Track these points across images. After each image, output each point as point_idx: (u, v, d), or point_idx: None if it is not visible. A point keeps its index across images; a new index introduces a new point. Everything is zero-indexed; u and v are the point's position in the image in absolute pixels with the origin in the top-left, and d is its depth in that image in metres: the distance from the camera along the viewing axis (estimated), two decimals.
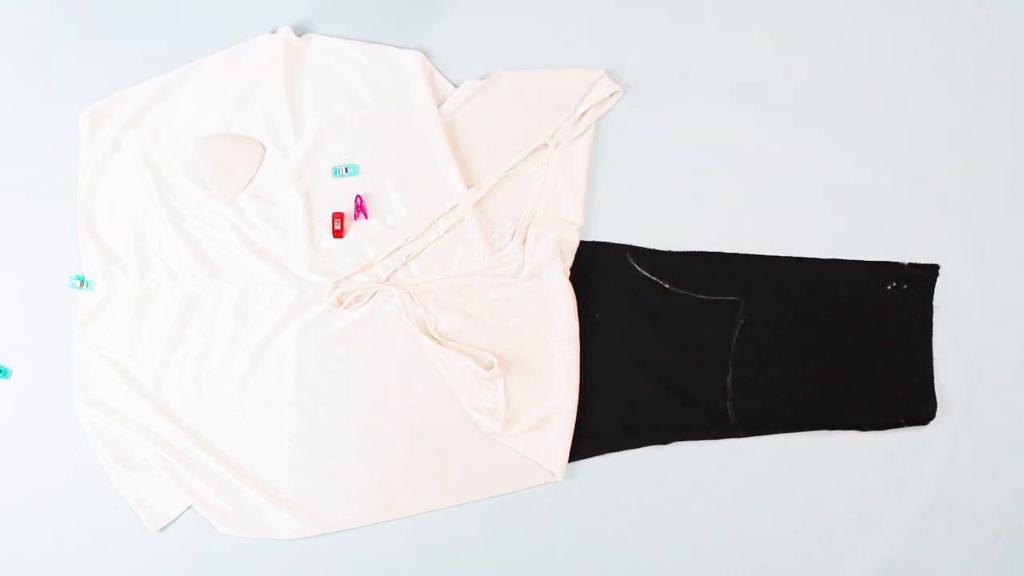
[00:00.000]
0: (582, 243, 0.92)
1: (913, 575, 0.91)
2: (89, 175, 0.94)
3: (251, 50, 0.95)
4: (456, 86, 0.94)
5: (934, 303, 0.91)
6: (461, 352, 0.89)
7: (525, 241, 0.91)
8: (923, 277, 0.91)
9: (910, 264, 0.92)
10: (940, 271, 0.91)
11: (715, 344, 0.91)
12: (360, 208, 0.92)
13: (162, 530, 0.91)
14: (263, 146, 0.94)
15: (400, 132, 0.93)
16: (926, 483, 0.91)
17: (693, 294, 0.89)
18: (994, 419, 0.92)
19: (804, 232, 0.93)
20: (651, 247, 0.92)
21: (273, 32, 0.94)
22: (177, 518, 0.91)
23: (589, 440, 0.90)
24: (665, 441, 0.91)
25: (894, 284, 0.91)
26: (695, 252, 0.91)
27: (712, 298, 0.90)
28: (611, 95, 0.93)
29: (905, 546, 0.91)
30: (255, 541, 0.90)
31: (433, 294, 0.91)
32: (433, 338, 0.89)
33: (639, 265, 0.91)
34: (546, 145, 0.93)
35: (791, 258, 0.92)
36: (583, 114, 0.93)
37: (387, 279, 0.91)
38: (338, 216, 0.92)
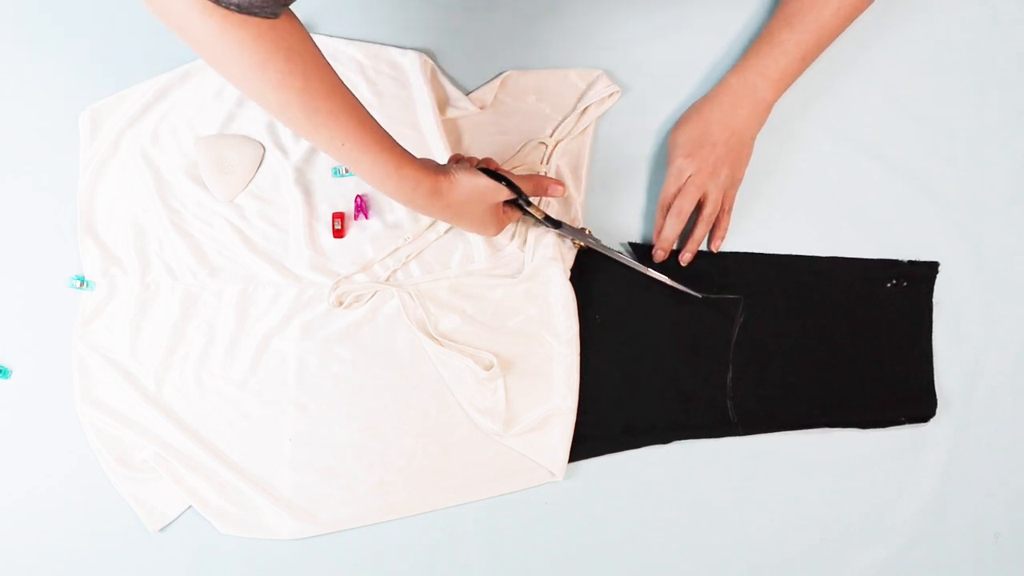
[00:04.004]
0: None
1: (913, 575, 0.91)
2: (89, 175, 0.94)
3: None
4: (457, 86, 0.94)
5: (934, 300, 0.92)
6: (461, 352, 0.89)
7: (526, 241, 0.91)
8: (923, 274, 0.92)
9: (909, 261, 0.92)
10: (940, 268, 0.92)
11: (715, 343, 0.91)
12: (360, 208, 0.92)
13: (162, 530, 0.91)
14: (263, 146, 0.94)
15: (400, 132, 0.93)
16: (926, 483, 0.91)
17: (693, 293, 0.89)
18: (994, 418, 0.92)
19: (804, 231, 0.93)
20: (651, 246, 0.92)
21: None
22: (177, 518, 0.91)
23: (589, 441, 0.90)
24: (665, 441, 0.91)
25: (894, 281, 0.91)
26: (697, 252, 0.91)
27: (712, 296, 0.90)
28: (610, 95, 0.94)
29: (905, 546, 0.90)
30: (255, 541, 0.90)
31: (433, 294, 0.91)
32: (433, 338, 0.89)
33: (640, 262, 0.91)
34: (544, 144, 0.93)
35: (791, 256, 0.92)
36: (582, 112, 0.93)
37: (387, 279, 0.92)
38: (338, 216, 0.92)
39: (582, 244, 0.89)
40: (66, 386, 0.92)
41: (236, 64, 0.65)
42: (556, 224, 0.87)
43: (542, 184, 0.85)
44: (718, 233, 0.91)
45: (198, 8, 0.61)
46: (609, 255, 0.89)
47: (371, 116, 0.74)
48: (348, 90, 0.72)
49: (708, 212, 0.89)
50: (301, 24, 0.68)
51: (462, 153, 0.92)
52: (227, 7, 0.61)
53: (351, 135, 0.72)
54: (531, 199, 0.85)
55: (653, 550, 0.90)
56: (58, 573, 0.92)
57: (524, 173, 0.88)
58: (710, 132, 0.88)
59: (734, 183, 0.90)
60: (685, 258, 0.90)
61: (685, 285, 0.89)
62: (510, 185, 0.81)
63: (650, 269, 0.89)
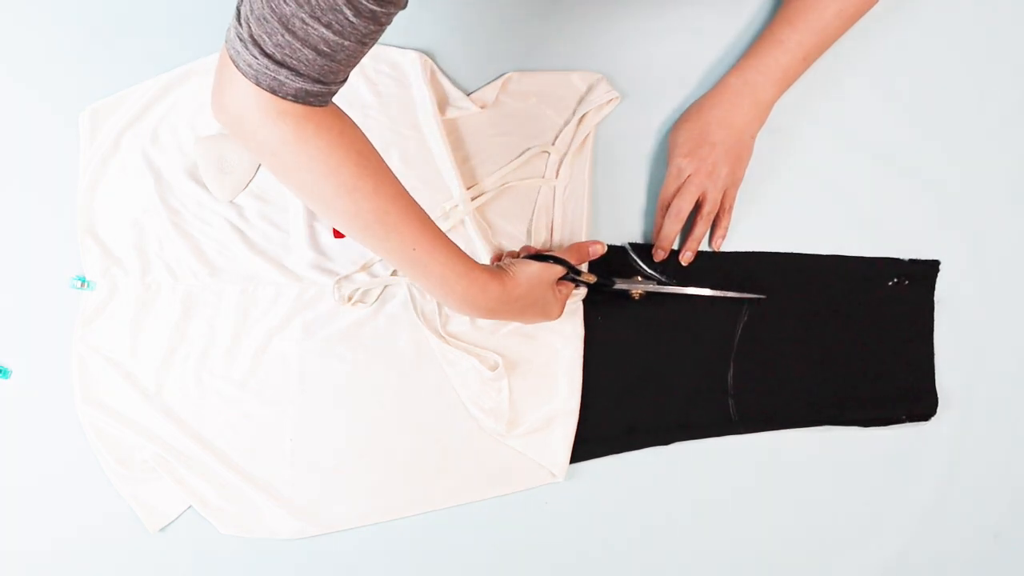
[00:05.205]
0: None
1: (913, 575, 0.91)
2: (89, 175, 0.94)
3: None
4: (457, 86, 0.94)
5: (935, 299, 0.92)
6: (467, 352, 0.89)
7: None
8: (924, 273, 0.92)
9: (911, 260, 0.92)
10: (941, 267, 0.92)
11: (717, 341, 0.91)
12: None
13: (162, 530, 0.90)
14: None
15: (400, 133, 0.93)
16: (926, 483, 0.91)
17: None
18: (994, 418, 0.92)
19: (804, 230, 0.93)
20: (652, 245, 0.92)
21: None
22: (177, 518, 0.91)
23: (591, 442, 0.90)
24: (666, 442, 0.91)
25: (895, 280, 0.92)
26: (698, 252, 0.91)
27: (714, 295, 0.90)
28: (608, 101, 0.93)
29: (905, 546, 0.91)
30: (255, 541, 0.90)
31: None
32: (440, 336, 0.89)
33: (641, 261, 0.91)
34: (546, 152, 0.93)
35: (791, 254, 0.92)
36: (580, 120, 0.93)
37: (393, 271, 0.91)
38: None
39: (640, 292, 0.89)
40: (66, 386, 0.92)
41: (310, 171, 0.67)
42: (610, 284, 0.88)
43: (584, 250, 0.87)
44: (719, 232, 0.91)
45: (271, 116, 0.63)
46: (667, 291, 0.90)
47: (427, 215, 0.74)
48: (409, 194, 0.73)
49: (707, 211, 0.89)
50: (360, 128, 0.70)
51: (464, 152, 0.92)
52: (284, 97, 0.63)
53: (422, 239, 0.73)
54: (579, 268, 0.86)
55: (653, 550, 0.90)
56: (58, 573, 0.91)
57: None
58: (709, 131, 0.88)
59: (734, 182, 0.90)
60: (686, 257, 0.90)
61: (688, 285, 0.89)
62: (558, 261, 0.83)
63: (707, 290, 0.90)
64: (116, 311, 0.92)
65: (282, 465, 0.90)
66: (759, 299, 0.90)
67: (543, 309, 0.85)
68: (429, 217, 0.74)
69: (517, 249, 0.90)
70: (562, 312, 0.87)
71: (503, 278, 0.79)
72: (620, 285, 0.89)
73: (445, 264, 0.75)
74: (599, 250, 0.88)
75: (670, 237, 0.89)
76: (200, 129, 0.94)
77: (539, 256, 0.83)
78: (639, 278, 0.91)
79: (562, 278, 0.85)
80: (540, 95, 0.94)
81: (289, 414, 0.90)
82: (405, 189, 0.73)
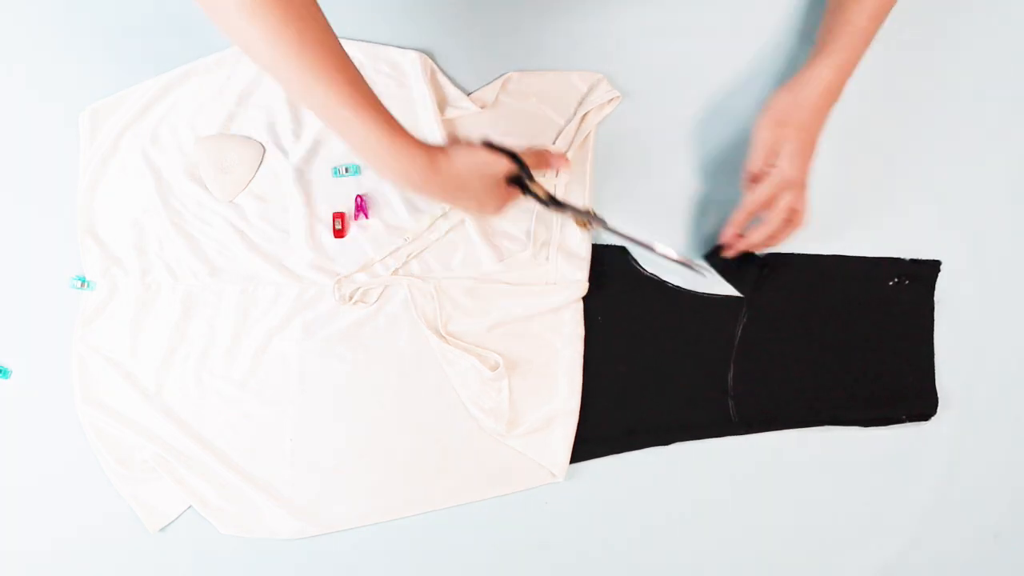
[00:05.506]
0: None
1: (913, 575, 0.91)
2: (89, 175, 0.94)
3: None
4: (457, 86, 0.94)
5: (936, 299, 0.92)
6: (467, 351, 0.89)
7: (548, 258, 0.91)
8: (925, 273, 0.92)
9: (911, 260, 0.92)
10: (941, 267, 0.92)
11: (717, 341, 0.91)
12: (360, 208, 0.92)
13: (162, 530, 0.90)
14: (263, 146, 0.94)
15: None
16: (926, 483, 0.91)
17: (696, 291, 0.89)
18: (994, 418, 0.92)
19: (805, 230, 0.93)
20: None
21: None
22: (177, 518, 0.91)
23: (591, 442, 0.90)
24: (667, 442, 0.91)
25: (896, 280, 0.92)
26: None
27: (715, 295, 0.90)
28: (610, 100, 0.93)
29: (905, 546, 0.91)
30: (255, 541, 0.90)
31: (447, 292, 0.90)
32: (440, 336, 0.89)
33: (641, 261, 0.91)
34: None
35: (792, 254, 0.92)
36: (582, 119, 0.93)
37: (394, 272, 0.91)
38: (338, 216, 0.92)
39: (588, 226, 0.86)
40: (66, 386, 0.92)
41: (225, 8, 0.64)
42: (560, 205, 0.81)
43: (545, 157, 0.81)
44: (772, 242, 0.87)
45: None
46: (617, 235, 0.86)
47: (366, 82, 0.71)
48: (339, 44, 0.70)
49: (774, 218, 0.84)
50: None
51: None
52: None
53: (347, 98, 0.69)
54: (534, 175, 0.80)
55: (653, 550, 0.90)
56: (58, 573, 0.91)
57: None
58: (815, 143, 0.84)
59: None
60: (735, 251, 0.87)
61: (670, 250, 0.88)
62: (512, 157, 0.76)
63: (658, 244, 0.86)
64: (116, 311, 0.92)
65: (282, 465, 0.90)
66: (740, 299, 0.90)
67: (478, 199, 0.78)
68: (364, 81, 0.71)
69: (517, 247, 0.90)
70: (500, 211, 0.81)
71: (434, 154, 0.74)
72: (569, 213, 0.83)
73: (370, 128, 0.70)
74: (563, 163, 0.82)
75: (755, 244, 0.86)
76: (200, 129, 0.94)
77: (495, 146, 0.76)
78: (592, 211, 0.85)
79: (514, 181, 0.79)
80: (540, 95, 0.94)
81: (289, 414, 0.90)
82: (343, 49, 0.70)
